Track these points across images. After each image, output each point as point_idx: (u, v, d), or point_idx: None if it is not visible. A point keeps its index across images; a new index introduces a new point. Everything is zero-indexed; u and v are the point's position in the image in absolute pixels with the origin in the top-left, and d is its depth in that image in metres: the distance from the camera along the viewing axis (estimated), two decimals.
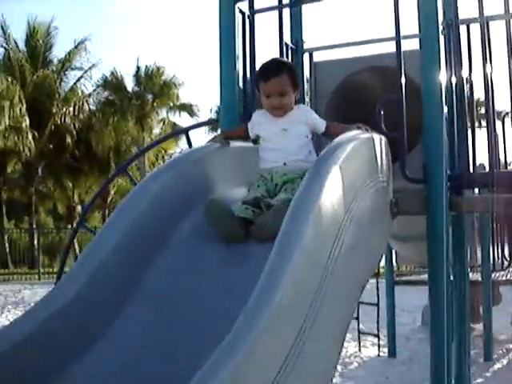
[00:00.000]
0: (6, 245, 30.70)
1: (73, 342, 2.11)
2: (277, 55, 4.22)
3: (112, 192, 35.23)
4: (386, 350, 7.99)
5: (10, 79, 26.74)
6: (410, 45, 4.31)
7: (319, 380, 2.08)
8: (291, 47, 4.54)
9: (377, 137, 2.86)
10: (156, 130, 30.00)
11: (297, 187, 2.51)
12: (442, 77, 3.53)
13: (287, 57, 4.41)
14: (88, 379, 2.07)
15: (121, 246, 2.34)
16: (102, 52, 71.55)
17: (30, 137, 27.05)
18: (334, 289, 2.09)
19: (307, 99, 4.72)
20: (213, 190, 2.86)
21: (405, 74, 3.47)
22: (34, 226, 31.90)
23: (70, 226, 33.83)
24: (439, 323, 3.52)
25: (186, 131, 4.13)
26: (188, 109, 30.06)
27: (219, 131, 3.76)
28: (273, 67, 2.94)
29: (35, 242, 30.45)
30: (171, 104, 29.61)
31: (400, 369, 7.32)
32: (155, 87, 28.44)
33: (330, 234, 2.07)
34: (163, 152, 33.39)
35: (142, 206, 2.49)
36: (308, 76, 4.68)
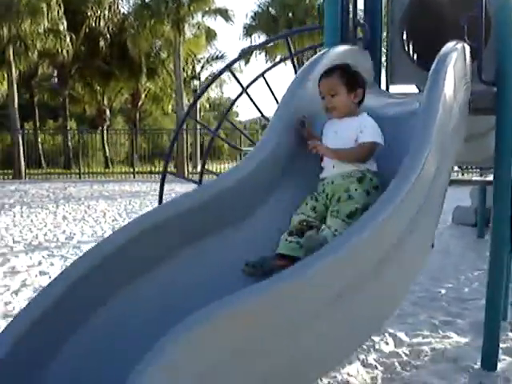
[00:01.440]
0: (40, 146, 31.73)
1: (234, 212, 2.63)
2: None
3: (143, 96, 35.82)
4: None
5: None
6: None
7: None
8: None
9: (466, 46, 3.52)
10: (188, 34, 29.92)
11: (344, 201, 2.64)
12: None
13: None
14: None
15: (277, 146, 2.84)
16: None
17: (67, 39, 27.34)
18: (444, 164, 2.70)
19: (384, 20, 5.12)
20: None
21: None
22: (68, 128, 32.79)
23: (100, 129, 34.64)
24: (501, 220, 3.90)
25: (285, 37, 4.68)
26: (223, 14, 29.95)
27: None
28: (326, 70, 2.98)
29: (69, 143, 31.48)
30: (206, 8, 29.46)
31: (436, 257, 8.18)
32: None
33: (447, 116, 2.77)
34: (193, 56, 33.57)
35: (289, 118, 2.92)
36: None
